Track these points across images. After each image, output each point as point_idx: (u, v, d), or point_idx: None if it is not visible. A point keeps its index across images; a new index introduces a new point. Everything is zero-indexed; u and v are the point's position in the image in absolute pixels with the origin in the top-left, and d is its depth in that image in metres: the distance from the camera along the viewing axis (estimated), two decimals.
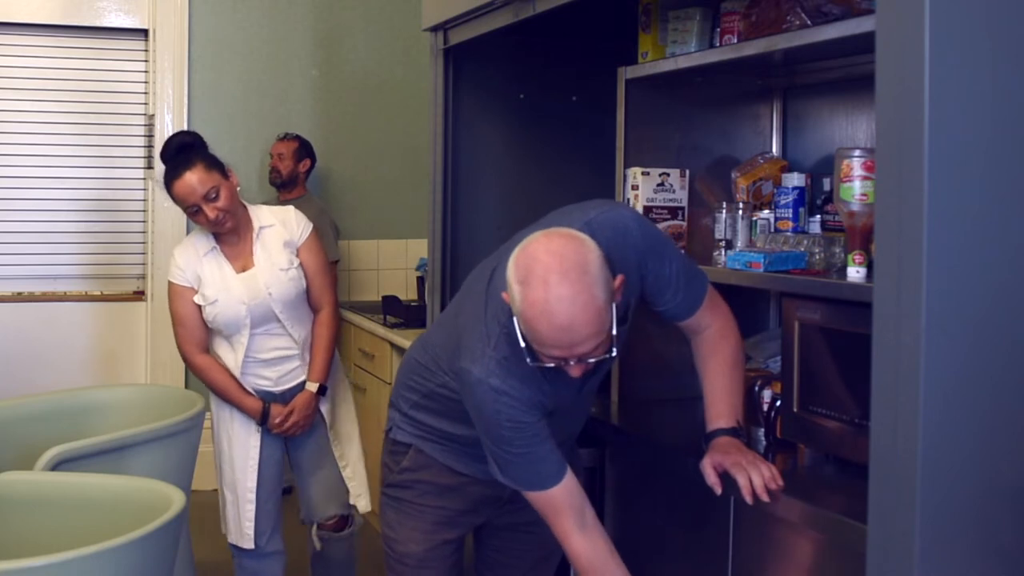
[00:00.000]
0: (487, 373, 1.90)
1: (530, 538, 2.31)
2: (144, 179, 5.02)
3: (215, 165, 2.96)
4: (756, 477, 1.94)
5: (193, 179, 2.91)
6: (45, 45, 4.90)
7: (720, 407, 2.10)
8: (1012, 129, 1.59)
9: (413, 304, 4.40)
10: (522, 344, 1.82)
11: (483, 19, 3.02)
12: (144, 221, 5.00)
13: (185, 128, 4.89)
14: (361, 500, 3.20)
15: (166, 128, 4.91)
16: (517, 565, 2.36)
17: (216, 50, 5.03)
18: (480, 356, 1.92)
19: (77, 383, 4.49)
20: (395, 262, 5.35)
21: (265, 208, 3.16)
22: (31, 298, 4.91)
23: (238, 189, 3.03)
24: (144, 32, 4.97)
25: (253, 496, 3.11)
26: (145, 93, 5.02)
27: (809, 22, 2.09)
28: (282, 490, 3.24)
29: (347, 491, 3.20)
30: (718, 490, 1.99)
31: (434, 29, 3.27)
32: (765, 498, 1.93)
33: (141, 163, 5.03)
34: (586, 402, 2.24)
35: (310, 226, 3.13)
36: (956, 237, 1.56)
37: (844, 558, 1.81)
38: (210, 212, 2.93)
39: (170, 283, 3.06)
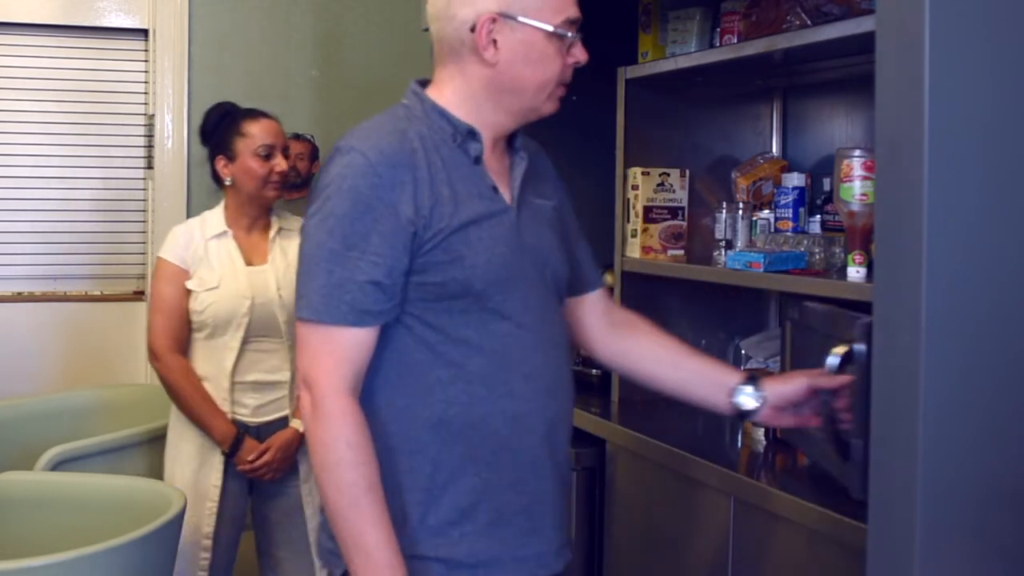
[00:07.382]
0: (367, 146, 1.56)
1: None
2: (144, 179, 5.02)
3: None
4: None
5: (276, 125, 2.70)
6: (45, 45, 4.89)
7: (723, 364, 1.90)
8: (1012, 129, 1.59)
9: None
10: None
11: None
12: (144, 221, 4.99)
13: (185, 128, 4.90)
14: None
15: (166, 128, 4.91)
16: None
17: (216, 50, 5.02)
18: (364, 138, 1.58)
19: (77, 383, 4.48)
20: None
21: (290, 215, 2.81)
22: (31, 298, 4.90)
23: None
24: (144, 32, 4.97)
25: (210, 543, 2.62)
26: (145, 93, 5.01)
27: (809, 22, 2.09)
28: (240, 530, 2.77)
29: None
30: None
31: None
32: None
33: (141, 163, 5.02)
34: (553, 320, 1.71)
35: None
36: (956, 237, 1.56)
37: (844, 558, 1.81)
38: (280, 164, 2.65)
39: (160, 260, 2.59)
